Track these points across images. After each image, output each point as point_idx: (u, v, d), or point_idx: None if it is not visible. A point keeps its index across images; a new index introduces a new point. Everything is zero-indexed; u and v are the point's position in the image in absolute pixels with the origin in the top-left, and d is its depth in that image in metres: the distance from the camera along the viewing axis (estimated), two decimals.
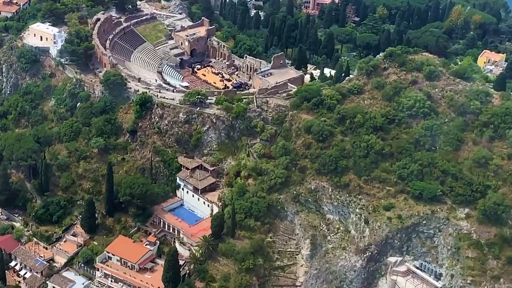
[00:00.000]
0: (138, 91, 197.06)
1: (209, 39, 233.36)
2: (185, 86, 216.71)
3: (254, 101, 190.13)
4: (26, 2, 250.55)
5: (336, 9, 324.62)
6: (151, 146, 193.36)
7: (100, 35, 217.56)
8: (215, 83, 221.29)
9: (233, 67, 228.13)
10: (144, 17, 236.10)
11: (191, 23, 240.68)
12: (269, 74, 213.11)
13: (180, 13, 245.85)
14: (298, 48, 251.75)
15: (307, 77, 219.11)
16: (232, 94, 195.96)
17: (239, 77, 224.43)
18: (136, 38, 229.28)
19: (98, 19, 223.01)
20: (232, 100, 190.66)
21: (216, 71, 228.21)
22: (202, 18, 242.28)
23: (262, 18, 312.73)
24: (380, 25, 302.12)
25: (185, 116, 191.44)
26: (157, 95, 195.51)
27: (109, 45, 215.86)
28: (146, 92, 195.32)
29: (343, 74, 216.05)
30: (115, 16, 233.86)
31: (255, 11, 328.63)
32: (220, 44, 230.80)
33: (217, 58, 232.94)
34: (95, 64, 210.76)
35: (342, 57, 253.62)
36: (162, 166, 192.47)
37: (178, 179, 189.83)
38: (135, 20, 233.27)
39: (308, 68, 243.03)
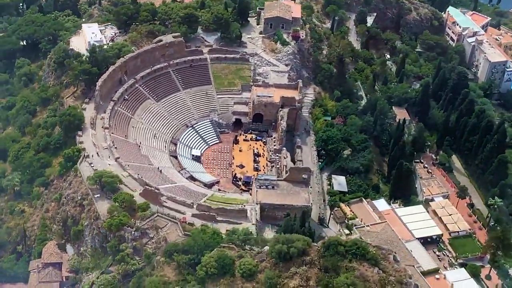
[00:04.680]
0: (82, 143, 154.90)
1: (280, 109, 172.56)
2: (196, 157, 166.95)
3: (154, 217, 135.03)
4: None
5: None
6: (41, 214, 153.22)
7: (146, 60, 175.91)
8: (237, 166, 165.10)
9: (278, 155, 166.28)
10: (232, 55, 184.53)
11: (285, 82, 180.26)
12: (271, 187, 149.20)
13: (287, 64, 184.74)
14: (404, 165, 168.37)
15: None
16: (150, 196, 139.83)
17: (271, 171, 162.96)
18: (201, 76, 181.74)
19: (160, 40, 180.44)
20: (131, 204, 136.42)
21: (260, 152, 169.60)
22: (299, 80, 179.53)
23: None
24: None
25: (80, 198, 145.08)
26: (89, 158, 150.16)
27: (143, 76, 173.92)
28: (81, 150, 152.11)
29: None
30: (208, 42, 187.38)
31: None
32: (283, 119, 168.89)
33: (274, 136, 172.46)
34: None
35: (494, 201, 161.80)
36: (32, 244, 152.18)
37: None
38: (218, 55, 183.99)
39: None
